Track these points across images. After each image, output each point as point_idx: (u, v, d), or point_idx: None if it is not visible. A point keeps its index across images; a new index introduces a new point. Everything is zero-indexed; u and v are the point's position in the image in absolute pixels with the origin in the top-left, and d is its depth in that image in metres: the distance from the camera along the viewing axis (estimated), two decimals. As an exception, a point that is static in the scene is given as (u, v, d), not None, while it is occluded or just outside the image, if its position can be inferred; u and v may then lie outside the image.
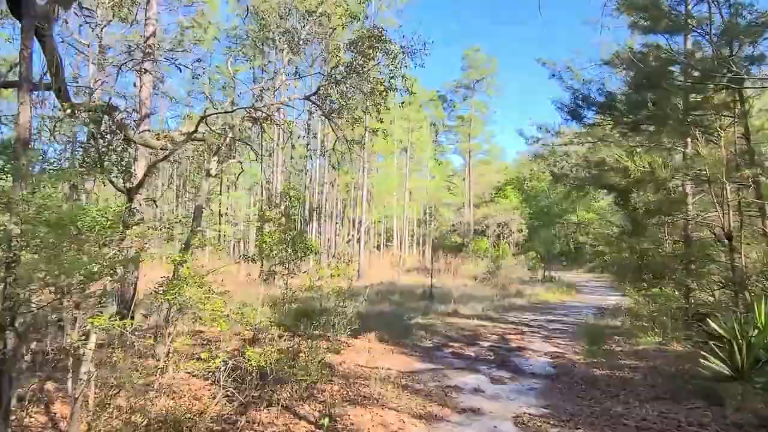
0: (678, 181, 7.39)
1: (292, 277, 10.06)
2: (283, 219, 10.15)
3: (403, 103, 10.41)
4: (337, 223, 37.57)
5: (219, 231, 34.90)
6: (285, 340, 7.86)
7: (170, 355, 4.74)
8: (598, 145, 11.06)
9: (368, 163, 29.13)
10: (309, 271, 9.92)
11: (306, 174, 33.88)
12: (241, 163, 12.72)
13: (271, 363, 4.82)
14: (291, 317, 10.02)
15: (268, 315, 9.27)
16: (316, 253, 11.60)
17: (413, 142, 39.69)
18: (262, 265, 10.28)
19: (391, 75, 9.75)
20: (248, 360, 4.74)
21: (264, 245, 10.45)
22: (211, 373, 5.18)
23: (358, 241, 27.78)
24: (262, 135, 28.61)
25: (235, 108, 8.05)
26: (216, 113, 8.21)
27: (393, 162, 36.02)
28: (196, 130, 7.25)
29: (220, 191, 32.04)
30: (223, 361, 4.71)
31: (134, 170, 8.19)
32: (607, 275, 31.68)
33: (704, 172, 6.52)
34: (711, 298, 8.91)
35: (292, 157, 36.75)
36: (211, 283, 5.69)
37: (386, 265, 34.19)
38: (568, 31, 74.33)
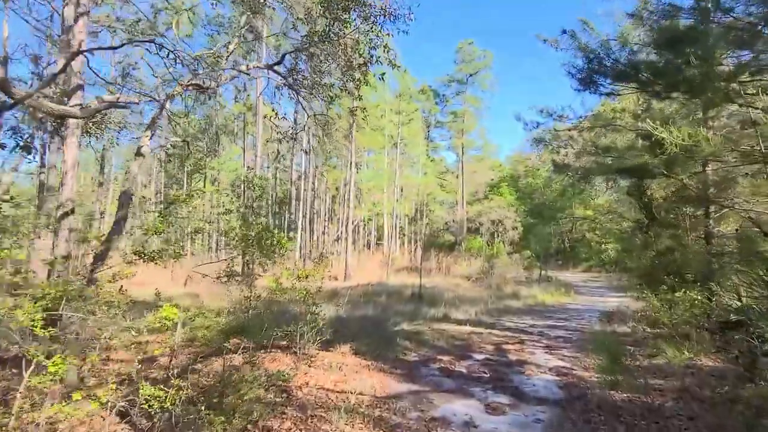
0: (723, 159, 6.12)
1: (257, 279, 8.73)
2: (249, 212, 8.82)
3: (383, 74, 8.99)
4: (326, 221, 36.21)
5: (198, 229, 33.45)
6: (239, 353, 6.49)
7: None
8: (605, 128, 9.82)
9: (355, 157, 27.75)
10: (278, 273, 8.60)
11: (293, 170, 32.44)
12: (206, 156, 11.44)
13: (177, 404, 3.46)
14: (254, 325, 8.66)
15: (218, 324, 7.93)
16: (285, 251, 10.23)
17: (404, 138, 38.39)
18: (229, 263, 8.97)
19: (371, 44, 8.41)
20: (147, 402, 3.39)
21: (234, 241, 9.18)
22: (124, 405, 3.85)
23: (346, 239, 26.39)
24: (245, 128, 27.23)
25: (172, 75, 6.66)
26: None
27: (384, 158, 34.66)
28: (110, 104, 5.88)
29: (204, 186, 30.59)
30: (122, 397, 3.37)
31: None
32: (604, 274, 30.59)
33: (757, 148, 5.28)
34: (738, 303, 7.66)
35: (278, 152, 35.33)
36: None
37: (376, 264, 32.82)
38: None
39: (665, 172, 7.07)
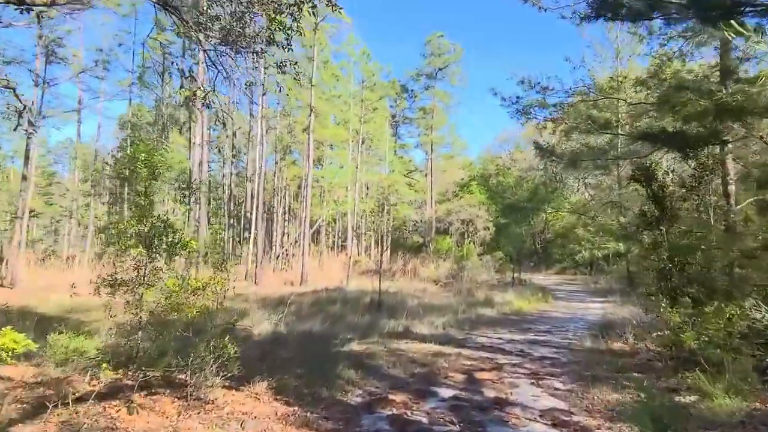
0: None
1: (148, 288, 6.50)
2: (143, 199, 6.57)
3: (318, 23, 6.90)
4: (286, 221, 33.84)
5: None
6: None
7: None
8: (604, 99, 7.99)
9: (316, 152, 25.51)
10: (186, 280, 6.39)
11: (250, 166, 29.94)
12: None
13: None
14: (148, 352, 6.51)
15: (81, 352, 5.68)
16: (189, 253, 8.00)
17: (370, 133, 36.36)
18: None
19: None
20: None
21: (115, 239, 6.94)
22: None
23: (303, 240, 24.13)
24: (191, 117, 24.69)
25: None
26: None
27: (347, 153, 32.52)
28: None
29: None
30: None
31: None
32: (580, 277, 29.20)
33: None
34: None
35: (233, 146, 32.76)
36: None
37: (339, 267, 30.68)
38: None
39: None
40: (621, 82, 8.20)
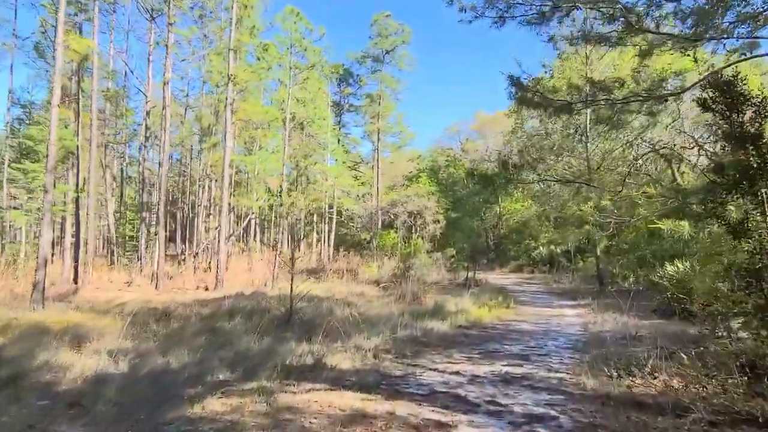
0: None
1: None
2: None
3: None
4: (209, 214, 29.55)
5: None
6: None
7: None
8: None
9: (233, 128, 21.50)
10: None
11: (165, 148, 25.53)
12: None
13: None
14: None
15: None
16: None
17: (309, 117, 32.59)
18: None
19: None
20: None
21: None
22: None
23: (222, 234, 20.16)
24: (79, 82, 20.17)
25: None
26: None
27: (281, 137, 28.59)
28: None
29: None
30: None
31: None
32: (538, 275, 26.55)
33: None
34: None
35: (146, 126, 28.17)
36: None
37: (270, 267, 26.85)
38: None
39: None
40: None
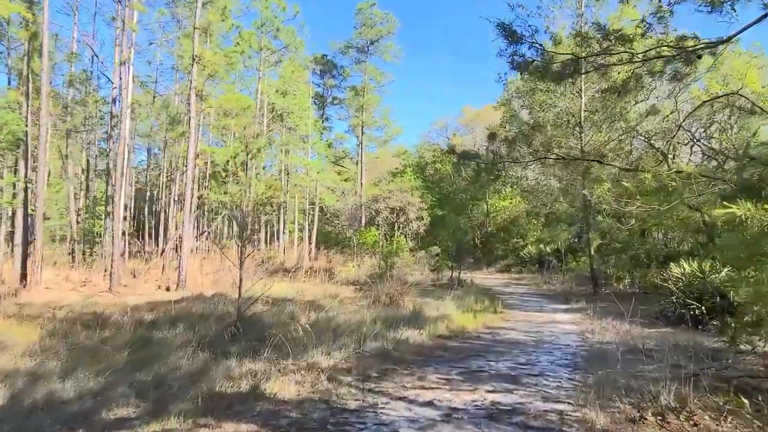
0: None
1: None
2: None
3: None
4: (181, 208, 27.79)
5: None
6: None
7: None
8: None
9: (197, 113, 19.93)
10: None
11: (125, 134, 23.83)
12: None
13: None
14: None
15: None
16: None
17: (288, 107, 31.05)
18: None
19: None
20: None
21: None
22: None
23: (186, 229, 18.60)
24: (28, 63, 18.43)
25: None
26: None
27: (262, 132, 26.94)
28: None
29: None
30: None
31: None
32: (527, 275, 25.27)
33: None
34: None
35: (112, 114, 26.41)
36: None
37: (247, 265, 25.29)
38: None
39: None
40: None
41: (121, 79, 17.01)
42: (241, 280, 8.28)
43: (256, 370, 6.20)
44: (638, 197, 5.23)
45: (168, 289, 17.47)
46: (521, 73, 6.67)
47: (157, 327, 9.03)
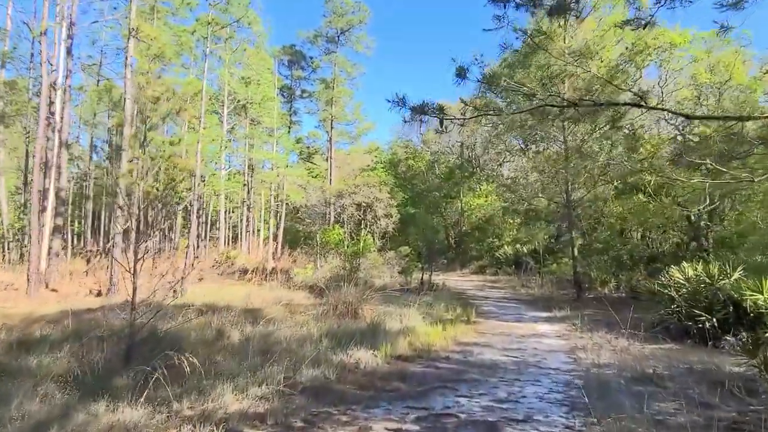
0: None
1: None
2: None
3: None
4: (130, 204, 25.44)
5: None
6: None
7: None
8: None
9: (135, 101, 17.81)
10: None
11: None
12: None
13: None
14: None
15: None
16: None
17: (251, 98, 28.99)
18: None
19: None
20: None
21: None
22: None
23: (122, 226, 16.45)
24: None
25: None
26: None
27: (221, 123, 24.85)
28: None
29: None
30: None
31: None
32: (503, 277, 23.78)
33: None
34: None
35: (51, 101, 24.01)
36: None
37: (205, 267, 23.21)
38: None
39: None
40: None
41: (42, 54, 14.81)
42: (135, 288, 6.34)
43: (132, 420, 4.36)
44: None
45: (99, 293, 15.35)
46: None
47: (38, 349, 7.03)
